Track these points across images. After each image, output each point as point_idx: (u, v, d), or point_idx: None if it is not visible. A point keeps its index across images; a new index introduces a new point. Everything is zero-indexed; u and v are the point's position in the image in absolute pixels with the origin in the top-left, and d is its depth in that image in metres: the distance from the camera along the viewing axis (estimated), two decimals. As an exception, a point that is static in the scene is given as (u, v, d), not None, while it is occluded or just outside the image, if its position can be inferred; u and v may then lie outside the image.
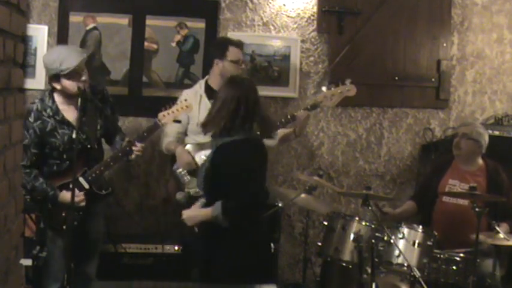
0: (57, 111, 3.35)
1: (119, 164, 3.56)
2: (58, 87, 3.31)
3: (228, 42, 3.91)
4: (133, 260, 3.98)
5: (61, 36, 4.26)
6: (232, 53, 3.83)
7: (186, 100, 3.54)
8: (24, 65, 3.83)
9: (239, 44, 3.90)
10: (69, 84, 3.27)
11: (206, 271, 3.04)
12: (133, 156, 3.44)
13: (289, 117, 3.82)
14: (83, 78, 3.29)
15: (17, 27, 2.13)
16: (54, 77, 3.28)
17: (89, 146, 3.41)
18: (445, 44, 4.88)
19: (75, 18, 4.29)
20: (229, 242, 2.93)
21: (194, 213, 3.03)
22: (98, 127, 3.46)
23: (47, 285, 3.52)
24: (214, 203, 2.92)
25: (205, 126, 3.02)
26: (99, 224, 3.64)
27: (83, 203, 3.36)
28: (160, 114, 3.43)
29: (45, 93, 3.42)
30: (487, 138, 4.00)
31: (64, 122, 3.36)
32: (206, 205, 3.01)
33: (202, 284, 3.09)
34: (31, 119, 3.30)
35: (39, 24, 4.26)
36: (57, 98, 3.37)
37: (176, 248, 4.00)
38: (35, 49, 4.25)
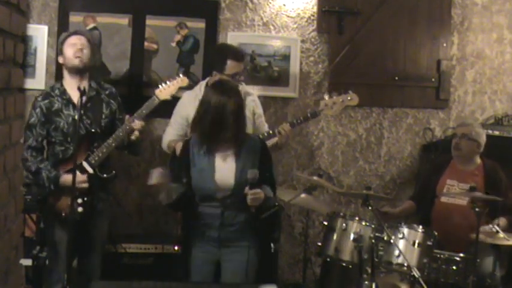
0: (64, 91, 3.50)
1: (118, 149, 3.59)
2: (61, 60, 3.50)
3: (227, 55, 3.78)
4: (133, 260, 3.98)
5: (61, 36, 4.27)
6: (231, 67, 3.74)
7: (180, 76, 3.62)
8: (24, 65, 3.87)
9: (239, 57, 3.81)
10: (68, 52, 3.45)
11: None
12: (133, 137, 3.50)
13: (271, 132, 3.82)
14: (79, 46, 3.45)
15: (17, 27, 2.13)
16: (59, 50, 3.50)
17: (92, 130, 3.48)
18: (445, 44, 4.88)
19: (75, 18, 4.29)
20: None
21: (260, 193, 2.97)
22: (103, 116, 3.55)
23: (49, 285, 3.52)
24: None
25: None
26: (103, 224, 3.65)
27: (85, 185, 3.38)
28: (157, 90, 3.54)
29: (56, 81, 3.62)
30: (484, 137, 4.02)
31: (70, 102, 3.49)
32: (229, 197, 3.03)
33: (203, 284, 3.08)
34: (39, 98, 3.49)
35: (39, 24, 4.26)
36: (65, 81, 3.54)
37: (176, 248, 4.00)
38: (35, 49, 4.25)
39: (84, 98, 3.33)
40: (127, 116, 3.52)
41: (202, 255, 3.09)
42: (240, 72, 3.82)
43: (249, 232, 3.08)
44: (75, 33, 3.55)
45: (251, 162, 3.02)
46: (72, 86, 3.48)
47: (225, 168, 3.03)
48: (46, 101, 3.46)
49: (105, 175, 3.49)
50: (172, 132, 3.91)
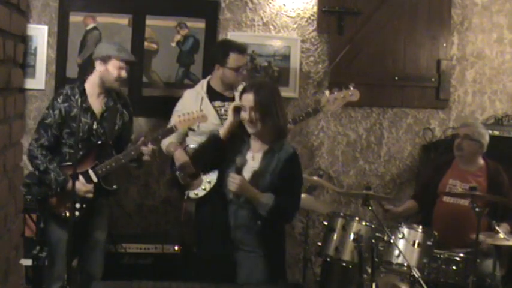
0: (85, 98, 3.48)
1: (129, 162, 3.56)
2: (101, 68, 3.46)
3: (229, 47, 3.80)
4: (133, 260, 3.98)
5: (61, 36, 4.26)
6: (233, 59, 3.76)
7: (202, 110, 3.61)
8: (24, 65, 3.86)
9: (241, 50, 3.82)
10: (112, 72, 3.45)
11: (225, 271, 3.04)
12: (146, 157, 3.47)
13: None
14: (124, 75, 3.48)
15: (17, 27, 2.13)
16: (103, 58, 3.46)
17: (104, 141, 3.49)
18: (445, 44, 4.88)
19: (75, 18, 4.29)
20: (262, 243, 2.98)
21: (243, 182, 2.90)
22: (116, 127, 3.56)
23: (49, 285, 3.52)
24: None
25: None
26: (103, 224, 3.65)
27: (90, 195, 3.40)
28: (177, 121, 3.50)
29: (76, 83, 3.55)
30: (487, 137, 4.00)
31: (89, 110, 3.48)
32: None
33: (203, 284, 3.08)
34: (59, 100, 3.45)
35: (39, 24, 4.26)
36: (89, 84, 3.52)
37: (176, 248, 4.00)
38: (35, 49, 4.25)
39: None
40: (142, 138, 3.51)
41: (213, 255, 3.08)
42: (242, 65, 3.83)
43: (264, 238, 2.97)
44: (127, 61, 3.51)
45: (273, 168, 2.96)
46: (94, 92, 3.51)
47: (247, 166, 2.99)
48: (66, 104, 3.43)
49: (108, 187, 3.51)
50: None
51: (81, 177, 3.39)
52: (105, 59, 3.46)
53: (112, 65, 3.45)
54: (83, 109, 3.45)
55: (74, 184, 3.17)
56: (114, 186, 3.55)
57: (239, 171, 2.91)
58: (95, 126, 3.45)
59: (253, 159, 3.01)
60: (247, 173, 2.97)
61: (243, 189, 2.90)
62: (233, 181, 2.88)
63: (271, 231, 2.99)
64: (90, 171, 3.43)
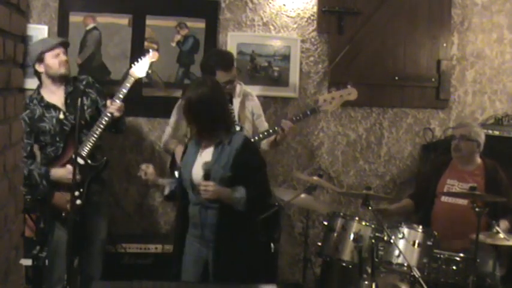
0: (41, 98, 3.56)
1: (107, 131, 3.61)
2: (42, 69, 3.54)
3: (215, 66, 3.70)
4: (133, 260, 3.98)
5: (61, 36, 4.25)
6: (221, 76, 3.66)
7: (151, 51, 3.73)
8: (24, 65, 3.84)
9: (227, 66, 3.72)
10: (52, 63, 3.51)
11: (205, 270, 3.04)
12: (115, 114, 3.52)
13: (270, 130, 3.81)
14: (64, 57, 3.54)
15: (17, 27, 2.13)
16: (38, 60, 3.52)
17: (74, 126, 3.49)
18: (445, 44, 4.88)
19: (75, 18, 4.29)
20: (239, 238, 2.99)
21: (216, 188, 2.91)
22: (85, 107, 3.60)
23: (49, 285, 3.52)
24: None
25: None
26: (103, 224, 3.66)
27: (78, 176, 3.38)
28: (131, 70, 3.64)
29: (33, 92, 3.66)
30: (483, 136, 4.02)
31: (49, 106, 3.55)
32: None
33: (202, 284, 3.08)
34: None
35: (39, 24, 4.26)
36: (43, 88, 3.59)
37: (175, 248, 4.00)
38: (35, 49, 4.25)
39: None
40: (108, 101, 3.57)
41: (191, 254, 3.08)
42: (232, 79, 3.76)
43: (236, 232, 2.98)
44: (57, 46, 3.57)
45: (226, 159, 2.95)
46: (50, 91, 3.58)
47: (201, 163, 3.00)
48: (27, 112, 3.51)
49: (96, 164, 3.53)
50: (170, 131, 3.91)
51: (68, 166, 3.44)
52: (39, 59, 3.52)
53: (48, 58, 3.51)
54: (44, 107, 3.54)
55: (74, 174, 3.20)
56: (105, 158, 3.58)
57: (207, 177, 2.92)
58: (61, 116, 3.51)
59: (200, 155, 3.04)
60: (198, 169, 2.99)
61: (217, 194, 2.92)
62: (206, 188, 2.91)
63: (240, 228, 3.00)
64: (74, 156, 3.44)
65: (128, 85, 3.57)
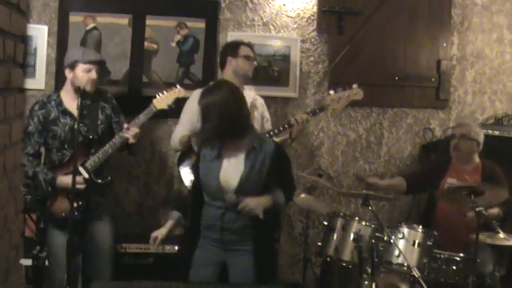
0: (60, 102, 3.59)
1: (119, 151, 3.66)
2: (70, 75, 3.56)
3: (239, 42, 3.98)
4: (133, 260, 3.98)
5: (61, 36, 4.26)
6: (244, 50, 3.90)
7: (178, 86, 3.74)
8: (24, 65, 3.86)
9: (249, 44, 3.99)
10: (81, 76, 3.52)
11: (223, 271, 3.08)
12: (130, 140, 3.56)
13: (283, 127, 3.83)
14: (94, 76, 3.55)
15: (17, 27, 2.13)
16: (71, 65, 3.55)
17: (90, 137, 3.55)
18: (445, 44, 4.88)
19: (75, 18, 4.29)
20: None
21: (258, 201, 2.95)
22: (99, 122, 3.63)
23: (49, 285, 3.53)
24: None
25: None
26: (107, 229, 3.68)
27: (82, 186, 3.44)
28: (155, 100, 3.65)
29: (53, 92, 3.73)
30: (482, 136, 4.05)
31: (66, 112, 3.57)
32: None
33: (202, 284, 3.08)
34: (36, 108, 3.60)
35: (39, 24, 4.26)
36: (64, 91, 3.62)
37: (176, 248, 4.00)
38: (35, 49, 4.24)
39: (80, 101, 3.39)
40: (125, 125, 3.61)
41: (204, 256, 3.08)
42: (252, 57, 3.93)
43: (252, 235, 3.01)
44: (91, 62, 3.55)
45: (259, 165, 2.97)
46: (70, 97, 3.59)
47: (231, 169, 2.98)
48: (43, 111, 3.55)
49: (99, 181, 3.55)
50: (182, 129, 3.88)
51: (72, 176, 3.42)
52: (72, 66, 3.54)
53: (79, 69, 3.53)
54: (61, 111, 3.56)
55: (73, 183, 3.18)
56: (109, 178, 3.60)
57: (244, 184, 2.94)
58: (75, 126, 3.48)
59: (229, 161, 3.00)
60: (235, 173, 2.96)
61: (262, 206, 2.96)
62: (251, 207, 2.92)
63: (258, 231, 3.02)
64: (81, 168, 3.49)
65: (148, 115, 3.63)
